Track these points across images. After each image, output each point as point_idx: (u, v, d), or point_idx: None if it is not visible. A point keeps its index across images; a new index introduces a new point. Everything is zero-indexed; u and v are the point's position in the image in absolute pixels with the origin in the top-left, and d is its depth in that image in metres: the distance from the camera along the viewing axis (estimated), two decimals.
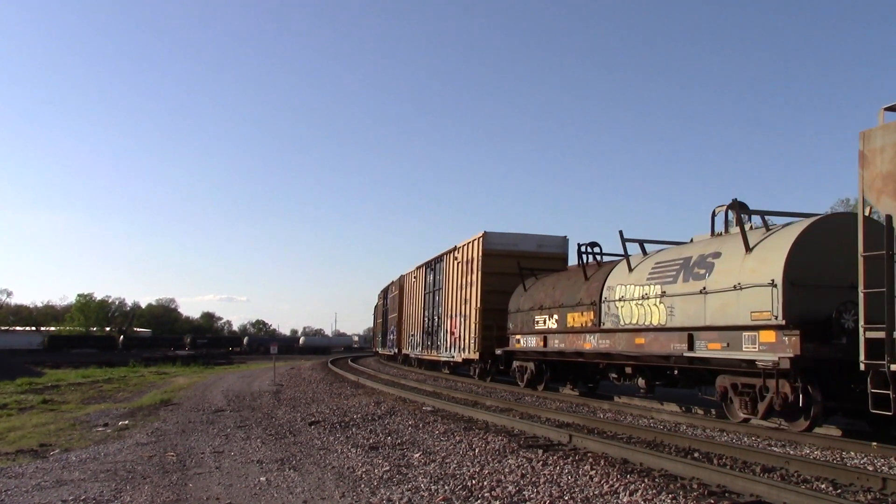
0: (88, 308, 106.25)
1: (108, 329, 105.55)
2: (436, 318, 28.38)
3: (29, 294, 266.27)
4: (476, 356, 22.44)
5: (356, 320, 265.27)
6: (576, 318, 16.03)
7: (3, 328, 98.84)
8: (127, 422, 13.99)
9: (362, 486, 7.10)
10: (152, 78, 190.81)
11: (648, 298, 13.25)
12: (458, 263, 25.04)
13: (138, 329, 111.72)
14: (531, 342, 18.40)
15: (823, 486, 6.78)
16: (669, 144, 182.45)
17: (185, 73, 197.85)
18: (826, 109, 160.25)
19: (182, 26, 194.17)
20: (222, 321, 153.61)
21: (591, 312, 15.28)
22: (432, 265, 29.69)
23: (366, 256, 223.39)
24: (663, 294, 12.83)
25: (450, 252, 26.45)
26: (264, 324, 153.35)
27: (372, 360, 49.60)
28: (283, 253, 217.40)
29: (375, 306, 55.26)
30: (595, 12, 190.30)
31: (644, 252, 14.69)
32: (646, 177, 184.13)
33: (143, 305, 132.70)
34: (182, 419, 14.06)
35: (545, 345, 17.58)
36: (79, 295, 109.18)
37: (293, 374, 29.66)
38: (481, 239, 22.76)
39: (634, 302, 13.70)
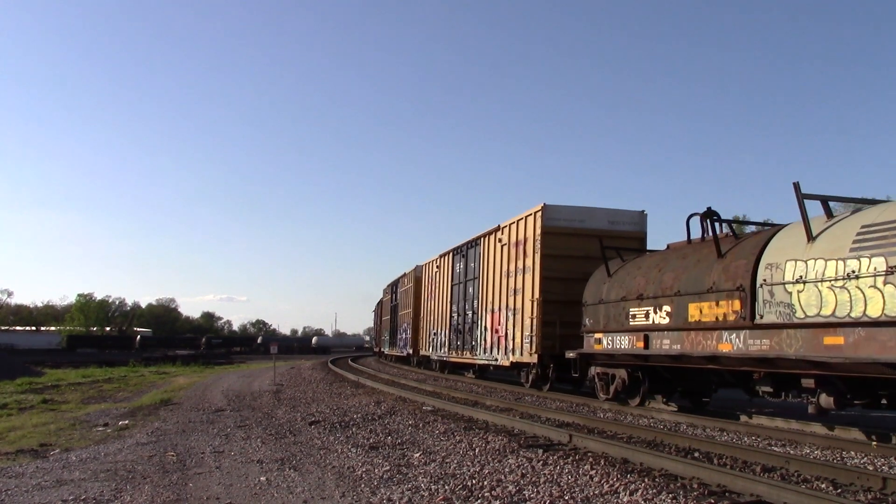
0: (88, 308, 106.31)
1: (107, 329, 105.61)
2: (469, 313, 23.77)
3: (29, 294, 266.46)
4: (533, 359, 17.94)
5: (356, 320, 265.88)
6: (705, 310, 11.87)
7: (3, 328, 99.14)
8: (127, 421, 13.99)
9: (362, 485, 7.10)
10: (152, 78, 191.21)
11: (857, 278, 9.24)
12: (503, 246, 20.46)
13: (139, 329, 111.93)
14: (622, 342, 14.10)
15: (823, 485, 6.78)
16: (667, 146, 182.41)
17: (185, 73, 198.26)
18: None
19: (182, 26, 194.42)
20: (222, 321, 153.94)
21: (735, 301, 11.13)
22: (463, 251, 25.00)
23: (366, 256, 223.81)
24: (891, 270, 8.85)
25: (491, 233, 21.81)
26: (264, 324, 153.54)
27: (372, 360, 49.47)
28: (283, 253, 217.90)
29: (379, 302, 51.02)
30: (596, 11, 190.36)
31: (829, 214, 10.50)
32: (649, 180, 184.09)
33: (143, 305, 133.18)
34: (182, 419, 14.06)
35: (646, 346, 13.28)
36: (79, 295, 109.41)
37: (293, 374, 29.66)
38: (540, 213, 18.15)
39: (827, 284, 9.66)
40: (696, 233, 13.56)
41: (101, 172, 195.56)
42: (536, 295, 17.94)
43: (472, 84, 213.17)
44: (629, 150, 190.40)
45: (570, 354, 15.98)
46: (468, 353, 23.73)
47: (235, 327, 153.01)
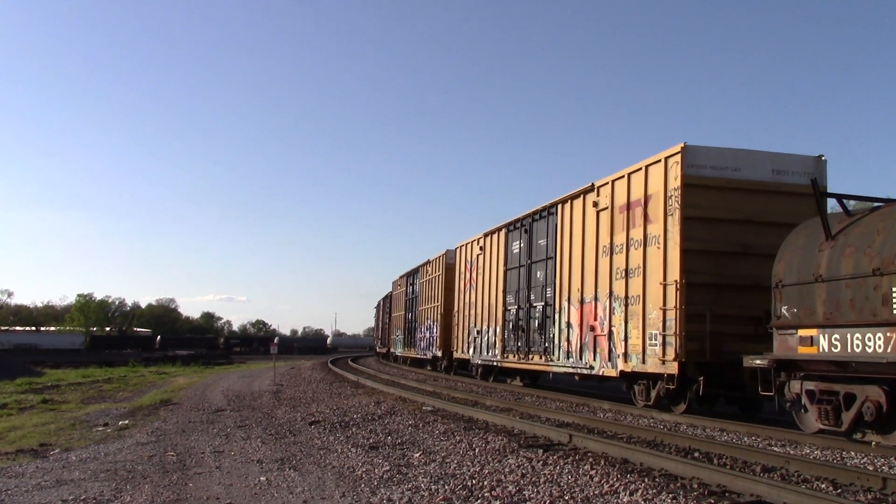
0: (88, 308, 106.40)
1: (107, 329, 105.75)
2: (536, 304, 18.36)
3: (29, 294, 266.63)
4: (669, 368, 12.45)
5: (356, 320, 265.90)
6: None
7: (3, 328, 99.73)
8: (127, 421, 14.00)
9: (362, 485, 7.10)
10: (152, 78, 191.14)
11: None
12: (600, 212, 15.16)
13: (138, 329, 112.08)
14: (868, 342, 8.92)
15: (823, 485, 6.78)
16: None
17: (185, 73, 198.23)
18: None
19: (182, 26, 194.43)
20: (222, 321, 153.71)
21: None
22: (525, 225, 19.43)
23: (365, 256, 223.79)
24: None
25: (576, 196, 16.38)
26: (264, 324, 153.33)
27: (372, 361, 49.37)
28: (283, 253, 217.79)
29: (387, 297, 46.18)
30: (595, 11, 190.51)
31: None
32: None
33: (143, 305, 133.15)
34: (182, 419, 14.06)
35: None
36: (79, 295, 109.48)
37: (293, 374, 29.67)
38: (679, 158, 12.68)
39: None
40: None
41: (100, 172, 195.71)
42: (675, 276, 12.52)
43: (471, 83, 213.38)
44: (627, 147, 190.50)
45: (756, 362, 10.59)
46: (537, 356, 18.12)
47: (235, 327, 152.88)
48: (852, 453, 8.79)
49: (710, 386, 12.29)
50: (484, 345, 22.36)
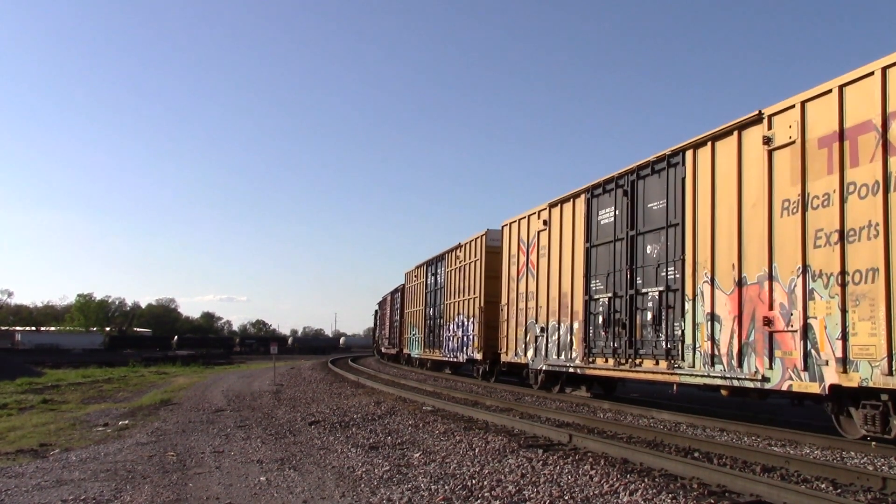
0: (88, 308, 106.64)
1: (107, 329, 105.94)
2: (648, 291, 13.50)
3: (29, 294, 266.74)
4: None
5: (356, 320, 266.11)
6: None
7: (3, 328, 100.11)
8: (127, 421, 14.00)
9: (362, 485, 7.10)
10: (152, 78, 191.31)
11: None
12: (775, 152, 10.56)
13: (138, 329, 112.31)
14: None
15: (823, 485, 6.78)
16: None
17: (185, 73, 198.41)
18: None
19: (182, 26, 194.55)
20: (222, 321, 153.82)
21: None
22: (623, 184, 14.53)
23: (366, 255, 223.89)
24: None
25: (725, 135, 11.68)
26: (264, 324, 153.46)
27: (372, 361, 49.37)
28: (283, 253, 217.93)
29: (398, 290, 41.27)
30: (594, 12, 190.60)
31: None
32: None
33: (143, 305, 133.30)
34: (182, 419, 14.06)
35: None
36: (79, 295, 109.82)
37: (293, 374, 29.68)
38: None
39: None
40: None
41: (100, 172, 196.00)
42: None
43: (471, 84, 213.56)
44: (622, 146, 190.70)
45: None
46: (650, 361, 13.28)
47: (235, 327, 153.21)
48: (852, 453, 8.78)
49: None
50: (552, 346, 17.32)
